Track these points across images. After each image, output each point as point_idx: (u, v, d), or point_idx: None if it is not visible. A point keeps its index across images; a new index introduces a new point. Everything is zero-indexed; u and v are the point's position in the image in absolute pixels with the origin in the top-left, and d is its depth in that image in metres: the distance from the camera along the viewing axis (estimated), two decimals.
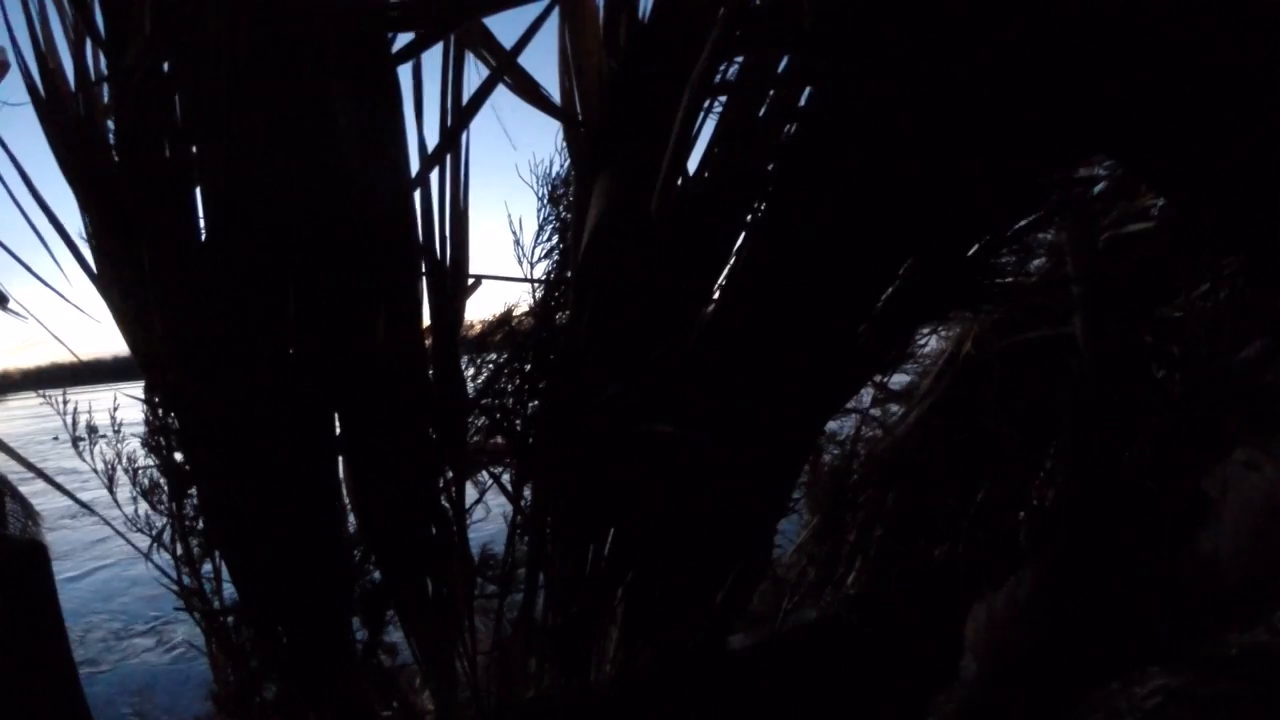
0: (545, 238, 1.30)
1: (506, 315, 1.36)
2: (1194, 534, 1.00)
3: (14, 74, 1.21)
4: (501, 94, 1.13)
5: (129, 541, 1.36)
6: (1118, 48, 0.86)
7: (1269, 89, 0.83)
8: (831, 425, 1.77)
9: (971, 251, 1.17)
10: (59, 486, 1.44)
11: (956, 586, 1.55)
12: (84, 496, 1.47)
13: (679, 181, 1.09)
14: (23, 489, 1.45)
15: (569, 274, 1.28)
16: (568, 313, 1.27)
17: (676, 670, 1.44)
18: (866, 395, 1.79)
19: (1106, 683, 0.77)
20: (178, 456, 1.29)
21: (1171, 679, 0.73)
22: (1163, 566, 1.05)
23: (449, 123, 1.16)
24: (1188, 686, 0.71)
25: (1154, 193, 1.50)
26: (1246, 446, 0.96)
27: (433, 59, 1.14)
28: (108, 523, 1.38)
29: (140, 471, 1.32)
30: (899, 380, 1.86)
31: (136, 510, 1.32)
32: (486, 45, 1.11)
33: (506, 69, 1.08)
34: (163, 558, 1.33)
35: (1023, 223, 1.25)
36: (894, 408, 1.84)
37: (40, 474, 1.42)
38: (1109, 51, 0.86)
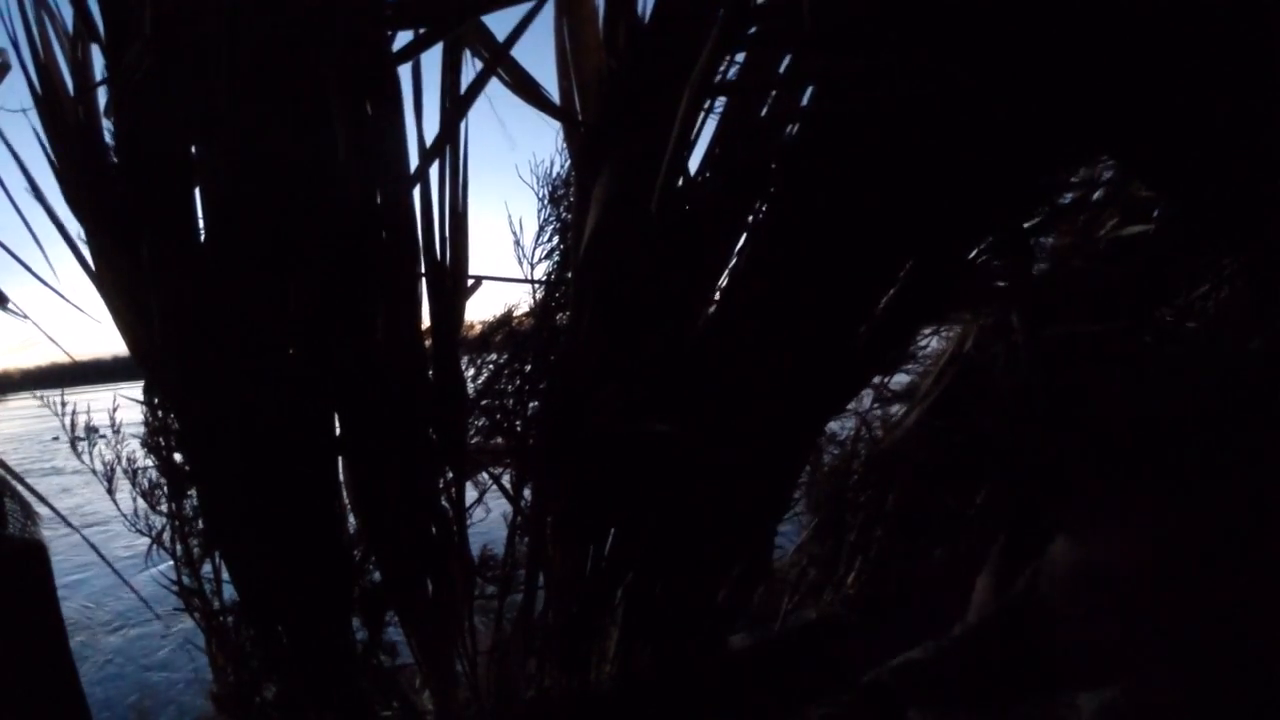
0: (546, 238, 1.30)
1: (507, 316, 1.36)
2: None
3: (13, 75, 1.21)
4: (503, 95, 1.13)
5: (102, 556, 1.36)
6: (1119, 46, 0.85)
7: (1272, 87, 0.83)
8: (832, 425, 1.76)
9: (972, 253, 1.17)
10: (37, 494, 1.43)
11: (956, 586, 1.54)
12: (84, 495, 1.47)
13: (680, 181, 1.09)
14: (21, 489, 1.45)
15: (569, 274, 1.27)
16: (568, 313, 1.27)
17: (676, 670, 1.44)
18: (867, 396, 1.79)
19: None
20: (177, 457, 1.29)
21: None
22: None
23: (446, 107, 1.15)
24: None
25: (1154, 193, 1.50)
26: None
27: (432, 57, 1.14)
28: (80, 533, 1.38)
29: (140, 472, 1.32)
30: (900, 380, 1.85)
31: (135, 510, 1.32)
32: (484, 43, 1.11)
33: (500, 61, 1.08)
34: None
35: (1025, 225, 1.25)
36: (895, 408, 1.84)
37: (20, 480, 1.42)
38: (1111, 50, 0.86)
